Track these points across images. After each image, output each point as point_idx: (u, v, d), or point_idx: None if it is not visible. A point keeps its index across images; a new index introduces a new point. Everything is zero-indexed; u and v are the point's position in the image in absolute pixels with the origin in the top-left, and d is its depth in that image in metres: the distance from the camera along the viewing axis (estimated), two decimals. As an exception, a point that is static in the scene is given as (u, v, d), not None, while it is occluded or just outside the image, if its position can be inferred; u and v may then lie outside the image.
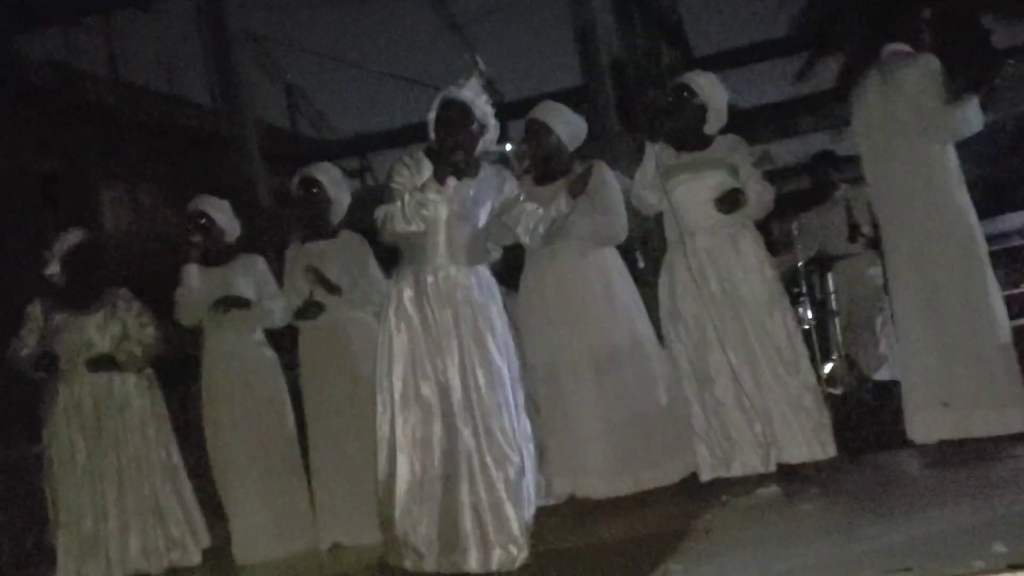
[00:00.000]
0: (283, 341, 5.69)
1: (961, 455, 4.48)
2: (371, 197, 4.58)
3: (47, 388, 5.50)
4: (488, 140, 4.28)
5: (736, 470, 4.73)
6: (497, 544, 3.96)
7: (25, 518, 6.92)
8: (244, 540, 5.36)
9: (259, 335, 5.54)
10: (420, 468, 4.04)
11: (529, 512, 4.04)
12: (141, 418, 5.48)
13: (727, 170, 4.86)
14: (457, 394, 4.04)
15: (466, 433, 4.01)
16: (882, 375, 6.54)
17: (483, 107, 4.22)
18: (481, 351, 4.08)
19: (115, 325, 5.52)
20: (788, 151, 12.24)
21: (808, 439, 4.68)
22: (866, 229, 6.58)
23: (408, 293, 4.14)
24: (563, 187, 4.73)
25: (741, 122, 7.13)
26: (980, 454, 4.42)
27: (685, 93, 4.95)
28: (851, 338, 6.66)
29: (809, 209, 7.07)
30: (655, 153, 4.92)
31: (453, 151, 4.07)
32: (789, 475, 4.66)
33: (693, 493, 4.77)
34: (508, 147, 5.13)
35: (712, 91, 4.95)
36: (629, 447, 4.94)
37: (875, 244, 6.38)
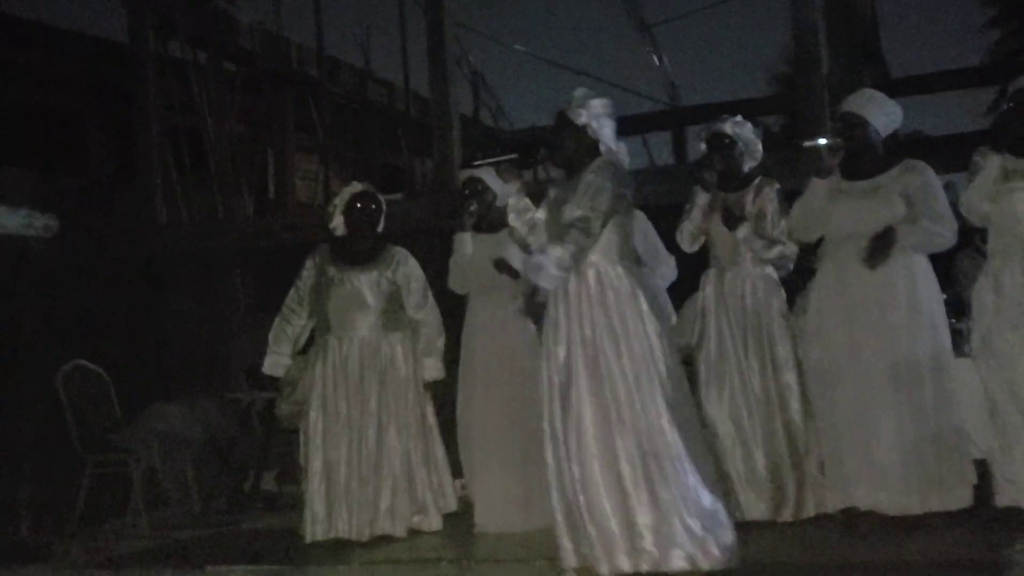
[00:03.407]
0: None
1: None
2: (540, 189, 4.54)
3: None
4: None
5: None
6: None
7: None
8: (486, 509, 5.33)
9: (522, 308, 5.44)
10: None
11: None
12: (404, 381, 5.45)
13: None
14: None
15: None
16: None
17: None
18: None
19: (388, 284, 5.48)
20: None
21: None
22: None
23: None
24: (887, 185, 4.74)
25: (927, 151, 6.82)
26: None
27: None
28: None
29: None
30: (999, 162, 4.68)
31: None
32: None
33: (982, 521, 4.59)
34: (821, 141, 4.85)
35: None
36: (922, 466, 4.64)
37: None
